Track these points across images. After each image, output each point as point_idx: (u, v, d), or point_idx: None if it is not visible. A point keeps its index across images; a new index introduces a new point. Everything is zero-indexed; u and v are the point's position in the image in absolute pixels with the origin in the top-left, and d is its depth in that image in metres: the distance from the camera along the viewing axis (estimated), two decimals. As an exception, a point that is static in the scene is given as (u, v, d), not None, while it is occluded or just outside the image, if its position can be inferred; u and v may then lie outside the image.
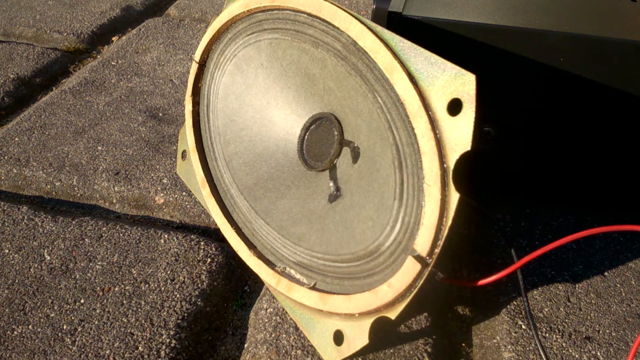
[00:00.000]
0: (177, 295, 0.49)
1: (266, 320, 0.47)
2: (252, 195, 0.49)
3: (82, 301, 0.48)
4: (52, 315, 0.47)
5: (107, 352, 0.44)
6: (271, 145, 0.49)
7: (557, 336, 0.45)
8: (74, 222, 0.57)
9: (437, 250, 0.34)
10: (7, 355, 0.43)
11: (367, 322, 0.38)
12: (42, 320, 0.46)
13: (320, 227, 0.43)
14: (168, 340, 0.45)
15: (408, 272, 0.35)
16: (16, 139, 0.70)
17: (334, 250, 0.41)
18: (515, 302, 0.48)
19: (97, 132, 0.71)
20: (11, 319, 0.46)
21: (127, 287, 0.49)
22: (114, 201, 0.62)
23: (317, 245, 0.43)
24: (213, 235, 0.57)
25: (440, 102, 0.33)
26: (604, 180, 0.56)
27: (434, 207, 0.33)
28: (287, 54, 0.47)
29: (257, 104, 0.50)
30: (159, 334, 0.45)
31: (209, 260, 0.52)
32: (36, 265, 0.51)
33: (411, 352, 0.44)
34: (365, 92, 0.40)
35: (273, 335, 0.45)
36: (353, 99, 0.41)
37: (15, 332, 0.45)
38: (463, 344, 0.47)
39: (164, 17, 1.07)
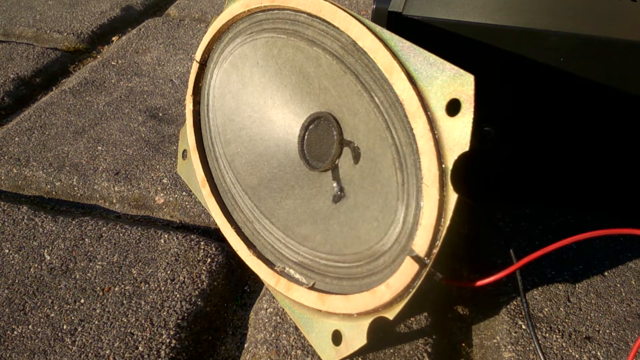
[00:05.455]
0: (177, 295, 0.49)
1: (266, 320, 0.47)
2: (257, 195, 0.49)
3: (82, 301, 0.48)
4: (52, 315, 0.47)
5: (107, 352, 0.44)
6: (272, 145, 0.49)
7: (557, 336, 0.45)
8: (74, 222, 0.57)
9: (435, 251, 0.34)
10: (7, 355, 0.43)
11: (366, 323, 0.38)
12: (42, 320, 0.46)
13: (325, 228, 0.43)
14: (168, 340, 0.45)
15: (406, 272, 0.35)
16: (16, 139, 0.70)
17: (338, 251, 0.41)
18: (515, 302, 0.48)
19: (97, 132, 0.71)
20: (11, 319, 0.46)
21: (127, 287, 0.49)
22: (114, 201, 0.62)
23: (322, 245, 0.43)
24: (213, 235, 0.57)
25: (439, 102, 0.33)
26: (604, 182, 0.56)
27: (432, 208, 0.33)
28: (282, 53, 0.47)
29: (254, 102, 0.50)
30: (159, 334, 0.45)
31: (209, 260, 0.52)
32: (36, 265, 0.51)
33: (411, 352, 0.44)
34: (360, 91, 0.40)
35: (273, 335, 0.45)
36: (349, 98, 0.41)
37: (15, 332, 0.45)
38: (463, 344, 0.47)
39: (164, 17, 1.07)
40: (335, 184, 0.44)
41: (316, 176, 0.45)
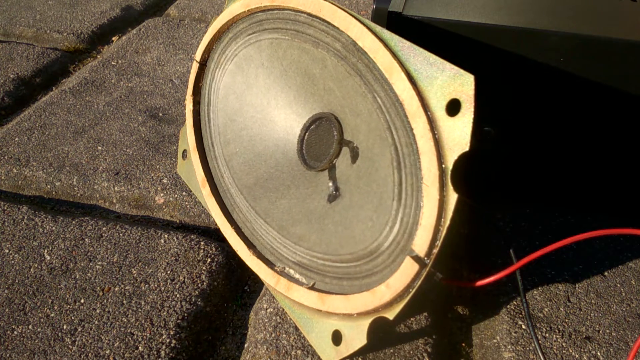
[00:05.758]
0: (177, 295, 0.49)
1: (266, 320, 0.47)
2: (252, 195, 0.49)
3: (82, 301, 0.48)
4: (52, 315, 0.47)
5: (107, 352, 0.44)
6: (271, 145, 0.49)
7: (557, 336, 0.45)
8: (74, 222, 0.57)
9: (435, 251, 0.34)
10: (7, 355, 0.43)
11: (366, 323, 0.38)
12: (42, 320, 0.46)
13: (319, 227, 0.43)
14: (168, 340, 0.45)
15: (406, 272, 0.35)
16: (16, 139, 0.70)
17: (334, 250, 0.41)
18: (515, 302, 0.48)
19: (97, 132, 0.71)
20: (11, 319, 0.46)
21: (127, 287, 0.49)
22: (114, 201, 0.62)
23: (317, 245, 0.43)
24: (213, 235, 0.57)
25: (439, 102, 0.33)
26: (604, 182, 0.56)
27: (432, 208, 0.33)
28: (287, 54, 0.47)
29: (258, 103, 0.50)
30: (159, 334, 0.45)
31: (209, 260, 0.52)
32: (36, 265, 0.51)
33: (411, 352, 0.44)
34: (364, 93, 0.40)
35: (273, 335, 0.45)
36: (352, 99, 0.41)
37: (15, 332, 0.45)
38: (463, 344, 0.47)
39: (164, 17, 1.07)
40: (331, 184, 0.44)
41: (313, 176, 0.45)
